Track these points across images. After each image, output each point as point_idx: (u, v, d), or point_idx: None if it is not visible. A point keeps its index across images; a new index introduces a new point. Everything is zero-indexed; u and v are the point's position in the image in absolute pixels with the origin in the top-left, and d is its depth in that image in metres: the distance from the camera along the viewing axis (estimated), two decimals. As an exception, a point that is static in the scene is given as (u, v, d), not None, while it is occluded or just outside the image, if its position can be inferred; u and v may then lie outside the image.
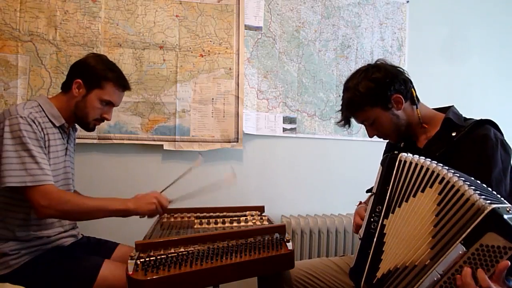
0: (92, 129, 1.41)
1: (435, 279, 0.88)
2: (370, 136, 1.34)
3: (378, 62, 1.29)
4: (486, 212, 0.82)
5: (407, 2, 2.38)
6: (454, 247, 0.86)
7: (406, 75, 1.27)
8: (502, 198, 0.88)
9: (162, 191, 1.45)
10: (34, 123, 1.22)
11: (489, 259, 0.81)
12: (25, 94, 1.78)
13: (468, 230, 0.84)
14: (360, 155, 2.27)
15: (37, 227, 1.28)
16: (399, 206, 1.01)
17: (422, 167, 0.98)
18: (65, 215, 1.25)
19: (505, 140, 1.15)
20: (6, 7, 1.75)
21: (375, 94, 1.23)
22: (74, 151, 1.49)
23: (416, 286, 0.92)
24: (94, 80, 1.33)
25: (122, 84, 1.38)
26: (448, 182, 0.91)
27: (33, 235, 1.27)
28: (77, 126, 1.46)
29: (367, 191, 1.46)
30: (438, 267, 0.88)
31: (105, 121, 1.41)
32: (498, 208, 0.81)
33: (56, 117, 1.32)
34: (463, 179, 0.91)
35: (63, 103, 1.35)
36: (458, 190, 0.88)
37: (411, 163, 1.01)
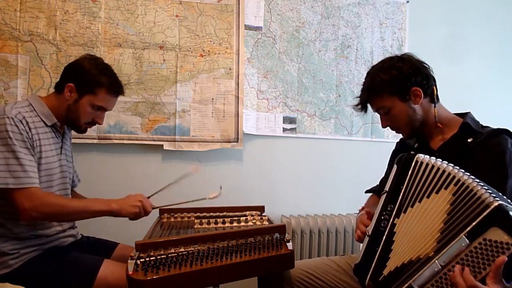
0: (84, 131, 1.41)
1: (436, 269, 0.89)
2: (383, 126, 1.33)
3: (405, 55, 1.28)
4: (492, 207, 0.83)
5: (407, 2, 2.37)
6: (457, 240, 0.87)
7: (431, 72, 1.26)
8: None
9: (151, 195, 1.45)
10: (22, 123, 1.21)
11: (490, 253, 0.81)
12: (25, 94, 1.77)
13: (473, 223, 0.85)
14: (360, 155, 2.27)
15: (35, 226, 1.27)
16: (412, 206, 1.01)
17: (438, 169, 0.97)
18: (49, 217, 1.25)
19: None
20: (6, 7, 1.75)
21: (395, 82, 1.23)
22: (71, 150, 1.49)
23: (416, 275, 0.91)
24: (86, 85, 1.31)
25: (116, 90, 1.37)
26: (463, 183, 0.91)
27: (31, 234, 1.26)
28: None
29: (367, 192, 1.45)
30: (440, 259, 0.89)
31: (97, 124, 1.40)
32: (506, 205, 0.82)
33: (48, 116, 1.31)
34: (478, 181, 0.91)
35: (55, 104, 1.34)
36: (471, 190, 0.88)
37: (427, 164, 1.00)
